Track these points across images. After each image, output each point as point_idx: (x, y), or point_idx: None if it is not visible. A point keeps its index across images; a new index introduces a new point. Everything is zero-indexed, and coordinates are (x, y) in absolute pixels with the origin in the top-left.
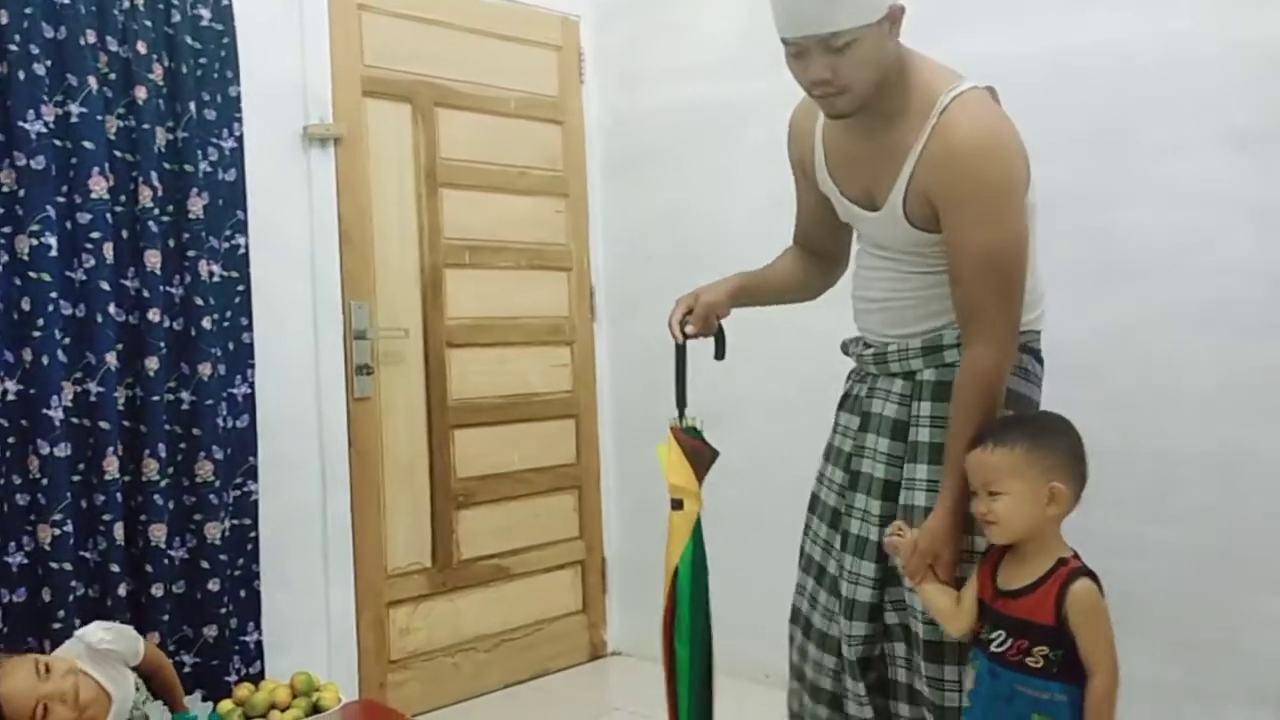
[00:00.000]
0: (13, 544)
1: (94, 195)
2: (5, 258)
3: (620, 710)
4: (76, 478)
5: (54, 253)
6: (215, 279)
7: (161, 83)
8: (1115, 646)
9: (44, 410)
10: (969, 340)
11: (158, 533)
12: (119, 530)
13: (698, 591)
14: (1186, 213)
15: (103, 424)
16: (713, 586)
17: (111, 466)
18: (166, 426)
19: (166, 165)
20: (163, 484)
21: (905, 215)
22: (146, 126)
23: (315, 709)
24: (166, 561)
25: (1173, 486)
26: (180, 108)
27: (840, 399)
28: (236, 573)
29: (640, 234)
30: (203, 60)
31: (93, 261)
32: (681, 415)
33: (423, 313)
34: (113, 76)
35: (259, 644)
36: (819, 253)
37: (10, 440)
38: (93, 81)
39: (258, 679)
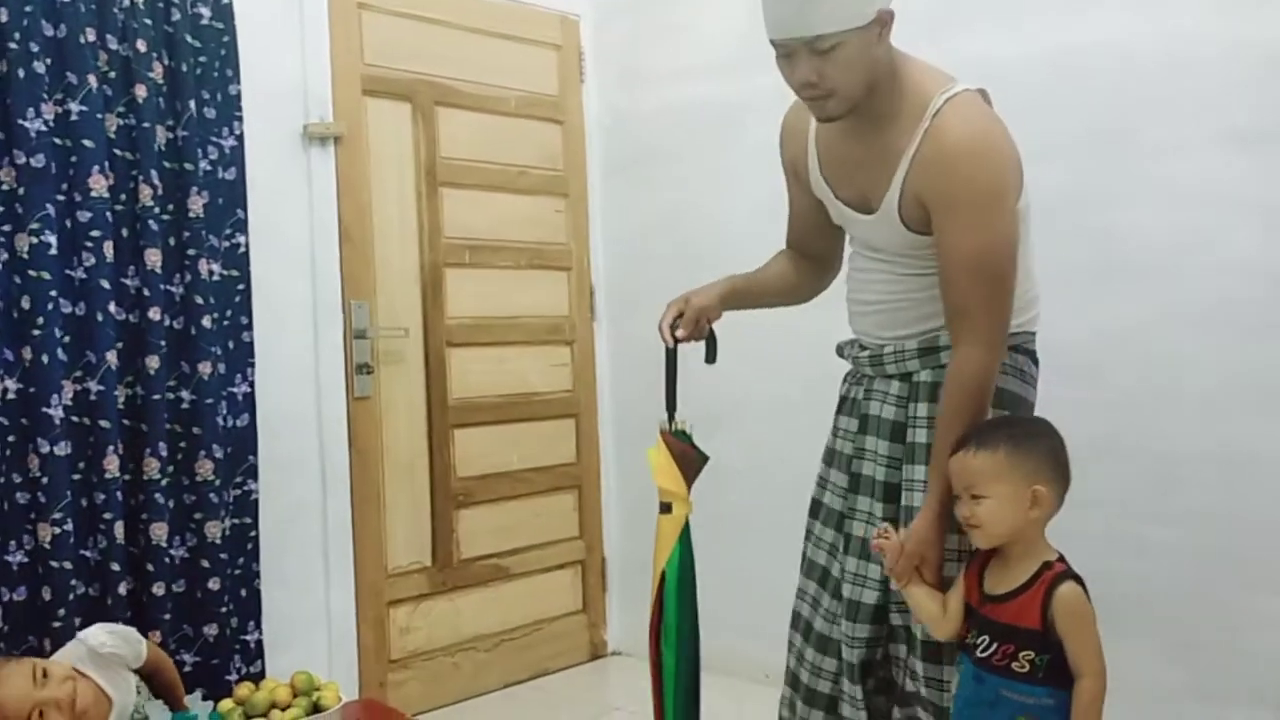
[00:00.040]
0: (13, 542)
1: (94, 194)
2: (5, 256)
3: (620, 710)
4: (77, 476)
5: (54, 251)
6: (215, 278)
7: (161, 81)
8: (1103, 649)
9: (44, 409)
10: (957, 342)
11: (159, 531)
12: (119, 529)
13: (684, 596)
14: (1187, 213)
15: (103, 423)
16: (712, 586)
17: (112, 465)
18: (167, 425)
19: (166, 164)
20: (163, 483)
21: (900, 218)
22: (146, 125)
23: (315, 708)
24: (167, 560)
25: (1173, 487)
26: (180, 106)
27: (838, 402)
28: (237, 572)
29: (640, 233)
30: (203, 59)
31: (93, 260)
32: (671, 419)
33: (423, 312)
34: (113, 75)
35: (259, 643)
36: (811, 256)
37: (10, 439)
38: (93, 80)
39: (258, 678)
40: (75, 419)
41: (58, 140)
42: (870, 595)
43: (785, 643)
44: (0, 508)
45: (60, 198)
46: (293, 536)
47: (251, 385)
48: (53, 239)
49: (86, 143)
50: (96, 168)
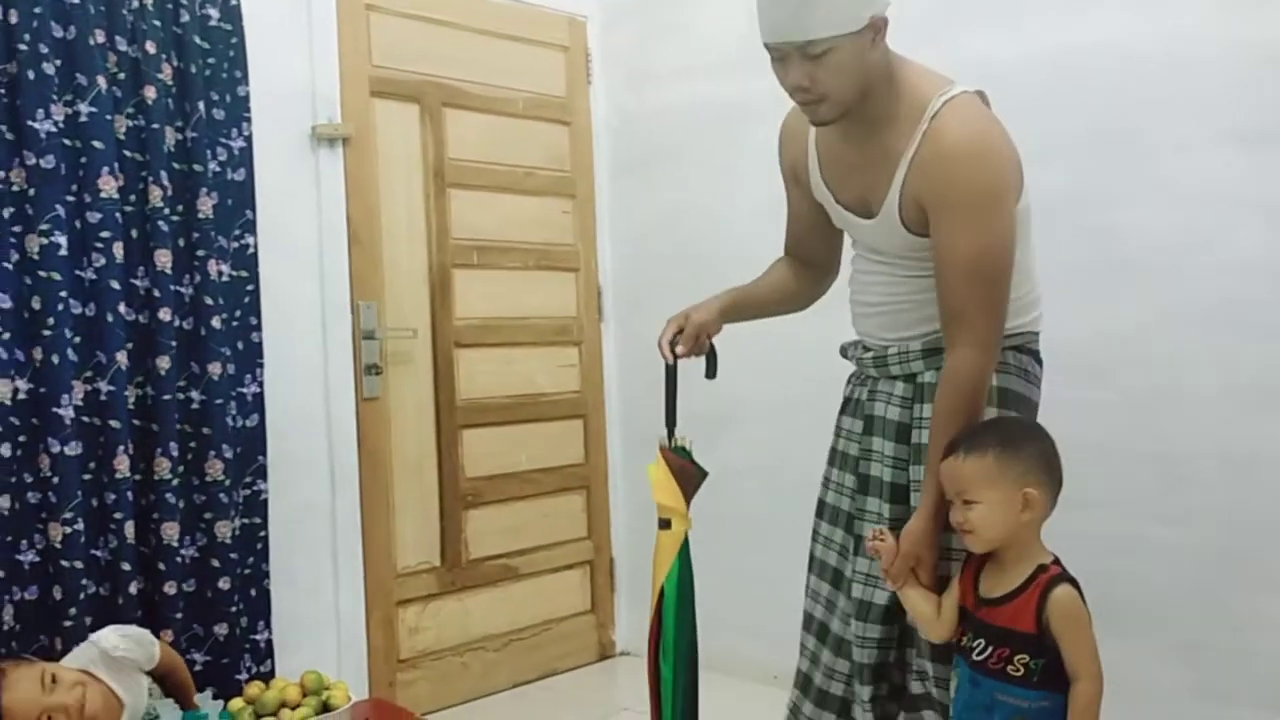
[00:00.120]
0: (24, 542)
1: (103, 195)
2: (16, 257)
3: (628, 710)
4: (87, 476)
5: (64, 252)
6: (224, 278)
7: (170, 82)
8: (1099, 652)
9: (55, 409)
10: (952, 344)
11: (170, 531)
12: (129, 529)
13: (683, 611)
14: (1188, 213)
15: (113, 423)
16: (717, 588)
17: (122, 465)
18: (177, 426)
19: (176, 165)
20: (174, 483)
21: (901, 221)
22: (156, 126)
23: (325, 707)
24: (178, 560)
25: (1175, 486)
26: (189, 107)
27: (842, 403)
28: (246, 571)
29: (648, 234)
30: (211, 60)
31: (103, 261)
32: (671, 435)
33: (431, 313)
34: (122, 76)
35: (269, 643)
36: (810, 261)
37: (21, 439)
38: (102, 81)
39: (268, 677)
40: (86, 419)
41: (67, 141)
42: (881, 596)
43: (790, 644)
44: (11, 507)
45: (70, 199)
46: (302, 536)
47: (261, 386)
48: (63, 240)
49: (96, 144)
50: (106, 169)
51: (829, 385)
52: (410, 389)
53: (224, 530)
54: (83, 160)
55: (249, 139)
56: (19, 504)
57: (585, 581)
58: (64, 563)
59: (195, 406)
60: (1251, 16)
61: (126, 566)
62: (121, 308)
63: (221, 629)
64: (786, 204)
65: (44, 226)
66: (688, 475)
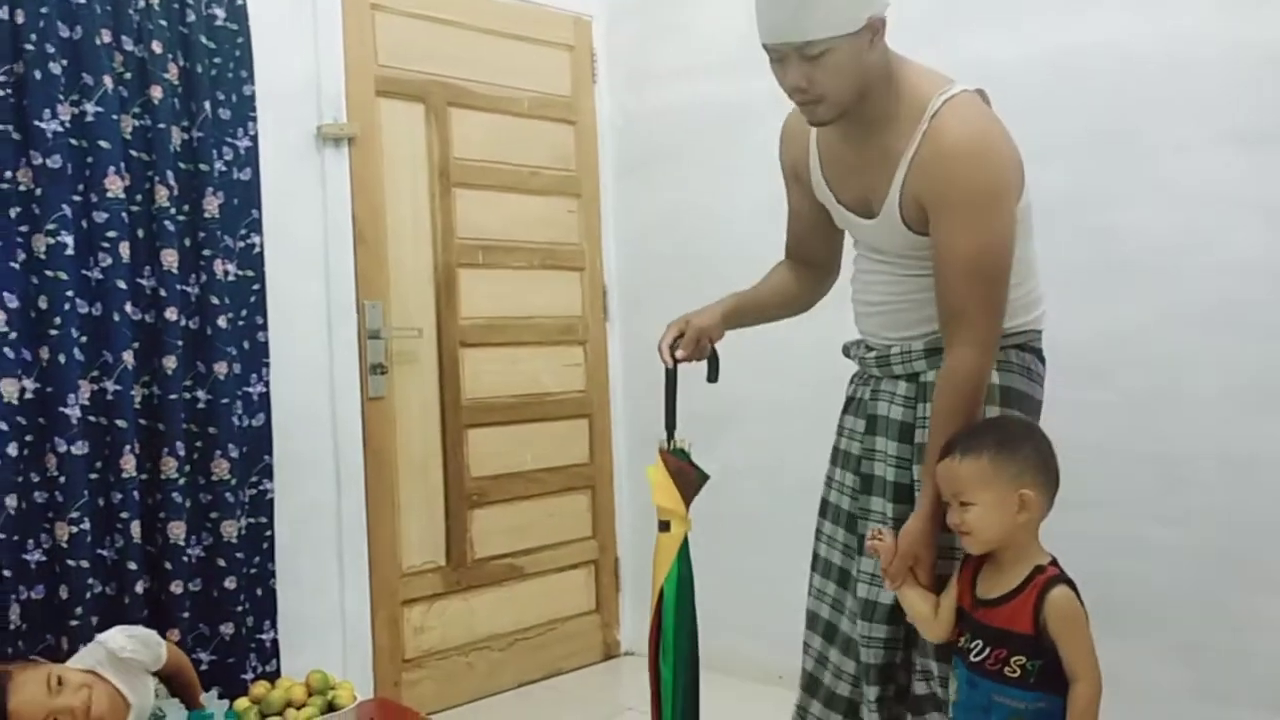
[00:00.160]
0: (31, 541)
1: (110, 194)
2: (22, 256)
3: (633, 710)
4: (94, 476)
5: (70, 251)
6: (230, 278)
7: (177, 82)
8: (1096, 653)
9: (61, 408)
10: (950, 344)
11: (176, 530)
12: (136, 528)
13: (682, 613)
14: (1188, 213)
15: (119, 422)
16: (721, 588)
17: (128, 464)
18: (183, 425)
19: (182, 164)
20: (180, 482)
21: (902, 220)
22: (162, 126)
23: (330, 707)
24: (184, 560)
25: (1175, 487)
26: (195, 107)
27: (844, 402)
28: (252, 571)
29: (653, 233)
30: (217, 60)
31: (109, 260)
32: (670, 438)
33: (436, 312)
34: (128, 76)
35: (275, 642)
36: (811, 262)
37: (28, 438)
38: (108, 81)
39: (273, 677)
40: (92, 419)
41: (74, 141)
42: (887, 596)
43: (792, 644)
44: (18, 507)
45: (77, 198)
46: (307, 536)
47: (266, 385)
48: (69, 239)
49: (103, 144)
50: (113, 168)
51: (830, 385)
52: (415, 388)
53: (230, 530)
54: (89, 160)
55: (255, 139)
56: (25, 503)
57: (590, 581)
58: (70, 562)
59: (201, 406)
60: (1251, 17)
61: (133, 566)
62: (128, 307)
63: (227, 628)
64: (787, 204)
65: (50, 226)
66: (686, 477)
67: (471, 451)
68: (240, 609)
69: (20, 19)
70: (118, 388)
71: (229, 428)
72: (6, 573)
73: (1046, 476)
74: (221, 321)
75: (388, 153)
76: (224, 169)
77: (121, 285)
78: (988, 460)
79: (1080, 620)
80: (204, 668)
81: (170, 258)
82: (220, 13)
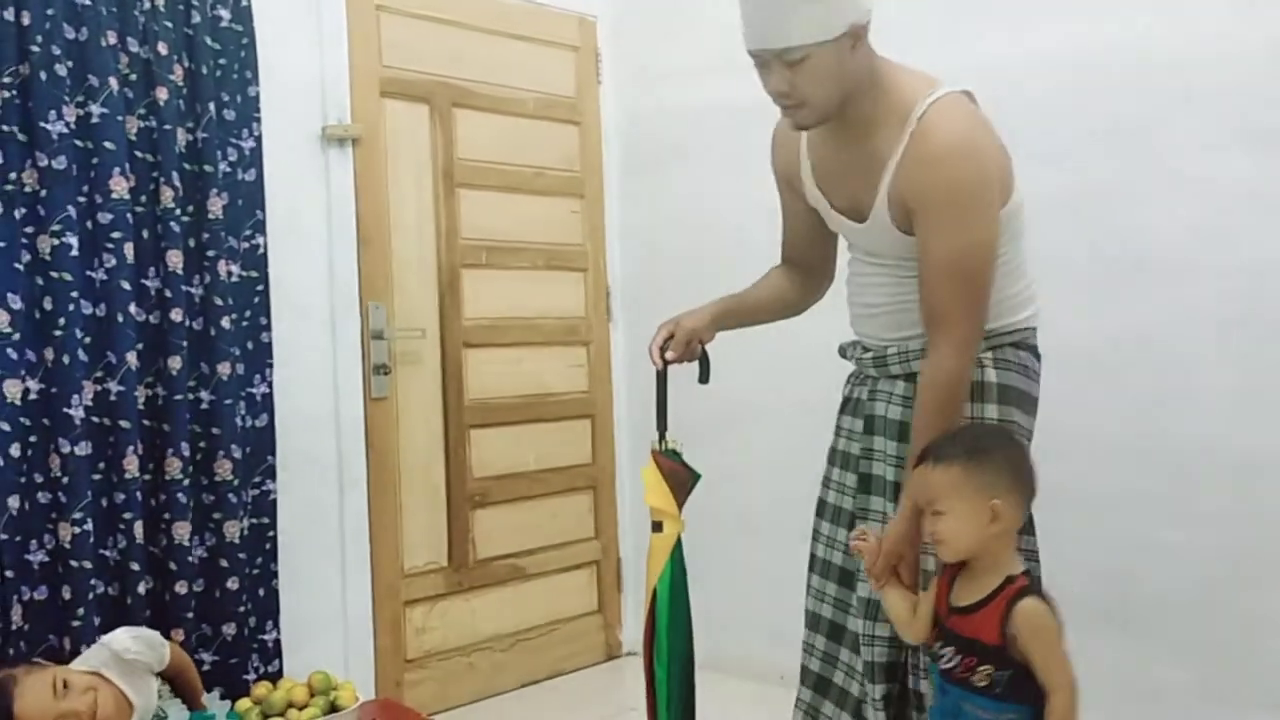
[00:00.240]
0: (34, 542)
1: (115, 195)
2: (27, 257)
3: (635, 711)
4: (97, 476)
5: (75, 252)
6: (234, 279)
7: (182, 83)
8: (1071, 663)
9: (65, 409)
10: (932, 345)
11: (181, 531)
12: (139, 529)
13: (676, 613)
14: (1204, 213)
15: (123, 423)
16: (720, 589)
17: (131, 465)
18: (187, 426)
19: (186, 165)
20: (185, 483)
21: (892, 223)
22: (167, 127)
23: (332, 708)
24: (188, 560)
25: (1189, 488)
26: (200, 108)
27: (841, 402)
28: (255, 571)
29: (656, 234)
30: (222, 61)
31: (113, 261)
32: (662, 438)
33: (440, 313)
34: (133, 77)
35: (277, 642)
36: (806, 267)
37: (32, 439)
38: (114, 82)
39: (276, 677)
40: (96, 419)
41: (79, 142)
42: None
43: (792, 643)
44: (21, 507)
45: (81, 199)
46: (310, 536)
47: (270, 386)
48: (74, 240)
49: (108, 145)
50: (117, 169)
51: (830, 385)
52: (419, 389)
53: (233, 530)
54: (94, 161)
55: (259, 139)
56: (29, 504)
57: (592, 582)
58: (73, 562)
59: (205, 407)
60: (1267, 16)
61: (135, 566)
62: (132, 308)
63: (229, 629)
64: (781, 211)
65: (55, 227)
66: (679, 478)
67: (474, 452)
68: (242, 609)
69: (26, 20)
70: (121, 388)
71: (232, 428)
72: (9, 573)
73: (1020, 486)
74: (225, 322)
75: (392, 153)
76: (228, 170)
77: (126, 286)
78: (960, 469)
79: (1051, 631)
80: (206, 668)
81: (175, 258)
82: (225, 14)
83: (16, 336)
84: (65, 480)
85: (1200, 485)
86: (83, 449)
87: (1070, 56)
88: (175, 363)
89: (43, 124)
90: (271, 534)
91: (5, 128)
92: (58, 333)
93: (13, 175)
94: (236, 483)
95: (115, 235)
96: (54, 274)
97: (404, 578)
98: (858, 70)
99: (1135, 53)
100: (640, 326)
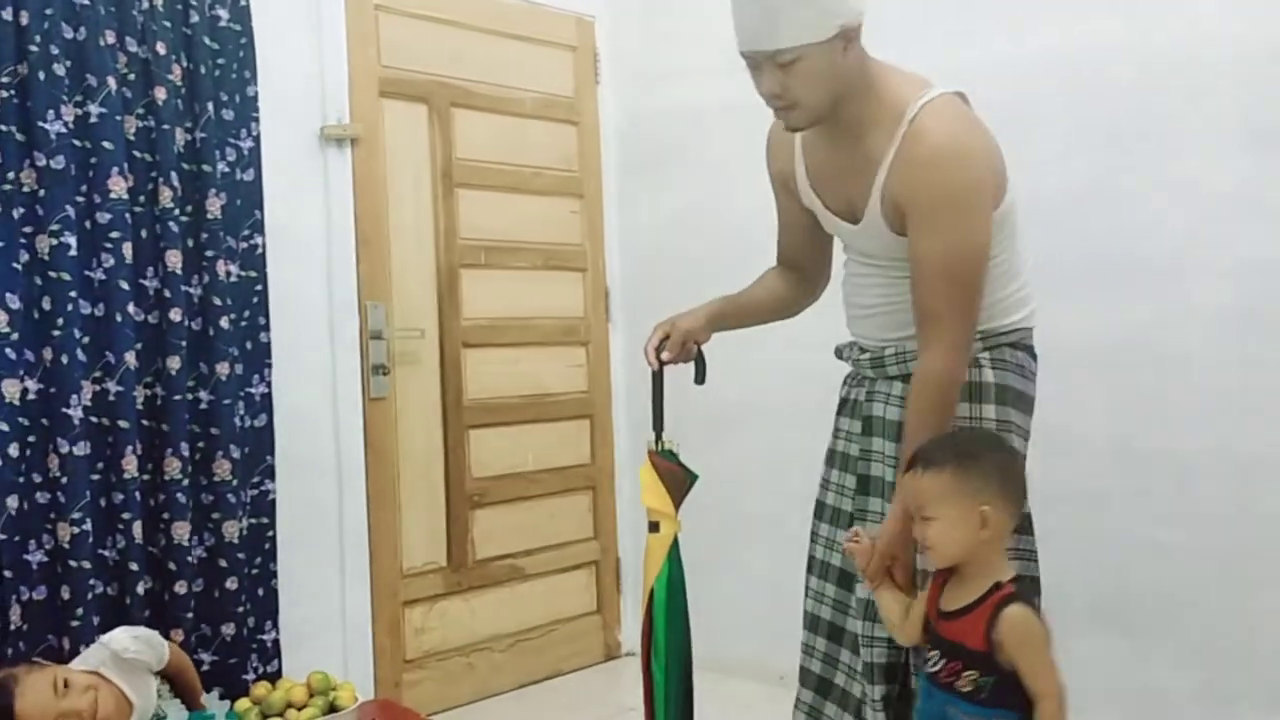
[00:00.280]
0: (33, 542)
1: (113, 195)
2: (26, 257)
3: (634, 711)
4: (95, 476)
5: (73, 252)
6: (233, 279)
7: (180, 83)
8: (1058, 670)
9: (64, 409)
10: (923, 346)
11: (180, 531)
12: (138, 529)
13: (673, 613)
14: (1203, 213)
15: (121, 423)
16: (720, 589)
17: (130, 465)
18: (186, 425)
19: (185, 165)
20: (184, 483)
21: (886, 224)
22: (166, 127)
23: (331, 708)
24: (187, 560)
25: (1189, 488)
26: (199, 108)
27: (838, 404)
28: (254, 571)
29: (655, 234)
30: (221, 61)
31: (112, 261)
32: (659, 438)
33: (438, 313)
34: (132, 77)
35: (276, 642)
36: (802, 269)
37: (30, 439)
38: (112, 82)
39: (275, 677)
40: (94, 419)
41: (77, 142)
42: None
43: (791, 643)
44: (20, 507)
45: (80, 199)
46: (309, 537)
47: (269, 386)
48: (72, 240)
49: (106, 145)
50: (116, 169)
51: (827, 386)
52: (417, 389)
53: (231, 530)
54: (93, 161)
55: (258, 139)
56: (27, 504)
57: (591, 582)
58: (72, 562)
59: (203, 407)
60: (1267, 18)
61: (134, 566)
62: (130, 308)
63: (228, 629)
64: (777, 213)
65: (54, 227)
66: (675, 478)
67: (473, 452)
68: (241, 609)
69: (24, 20)
70: (120, 388)
71: (231, 428)
72: (8, 573)
73: (1009, 492)
74: (224, 322)
75: (390, 153)
76: (227, 170)
77: (124, 286)
78: (949, 475)
79: (1037, 638)
80: (205, 668)
81: (173, 258)
82: (224, 14)
83: (15, 336)
84: (64, 480)
85: (1200, 485)
86: (81, 449)
87: (1070, 56)
88: (174, 363)
89: (41, 124)
90: (270, 534)
91: (3, 127)
92: (56, 333)
93: (11, 175)
94: (235, 483)
95: (114, 235)
96: (52, 274)
97: (403, 578)
98: (850, 72)
99: (1135, 53)
100: (639, 327)
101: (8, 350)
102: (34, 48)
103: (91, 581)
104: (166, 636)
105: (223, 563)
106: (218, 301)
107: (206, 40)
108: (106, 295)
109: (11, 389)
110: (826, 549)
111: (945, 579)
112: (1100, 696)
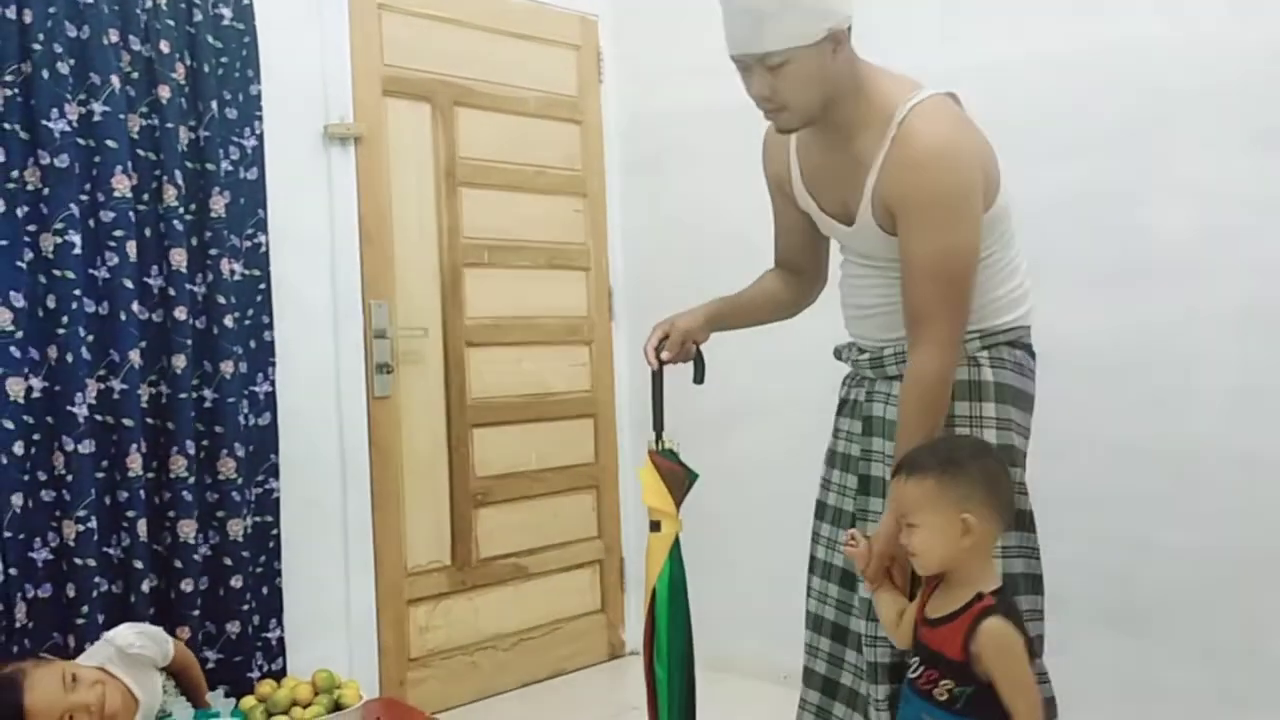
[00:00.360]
0: (38, 540)
1: (117, 194)
2: (30, 255)
3: (638, 710)
4: (100, 474)
5: (78, 251)
6: (237, 277)
7: (184, 82)
8: (1034, 684)
9: (69, 407)
10: (914, 346)
11: (186, 529)
12: (142, 527)
13: (675, 612)
14: (1212, 213)
15: (126, 421)
16: (722, 588)
17: (135, 463)
18: (191, 424)
19: (189, 164)
20: (190, 481)
21: (878, 226)
22: (169, 125)
23: (336, 706)
24: (192, 558)
25: (1196, 488)
26: (202, 106)
27: (838, 404)
28: (259, 569)
29: (658, 233)
30: (224, 59)
31: (116, 259)
32: (659, 438)
33: (442, 312)
34: (135, 75)
35: (281, 641)
36: (800, 271)
37: (35, 437)
38: (116, 80)
39: (280, 676)
40: (99, 417)
41: (81, 140)
42: None
43: (797, 644)
44: (25, 505)
45: (84, 198)
46: (313, 535)
47: (273, 384)
48: (77, 239)
49: (110, 143)
50: (120, 168)
51: (827, 385)
52: (421, 388)
53: (236, 528)
54: (96, 159)
55: (261, 138)
56: (33, 502)
57: (595, 581)
58: (77, 560)
59: (208, 405)
60: (1268, 16)
61: (139, 564)
62: (135, 306)
63: (233, 627)
64: (773, 216)
65: (58, 225)
66: (676, 477)
67: (477, 451)
68: (246, 608)
69: (28, 19)
70: (125, 386)
71: (235, 427)
72: (14, 571)
73: (994, 500)
74: (228, 321)
75: (394, 152)
76: (231, 168)
77: (129, 284)
78: (933, 482)
79: (1014, 652)
80: (210, 666)
81: (177, 257)
82: (227, 12)
83: (19, 335)
84: (69, 478)
85: (1200, 485)
86: (86, 447)
87: (1070, 56)
88: (179, 361)
89: (45, 122)
90: (275, 532)
91: (7, 126)
92: (61, 331)
93: (15, 173)
94: (240, 481)
95: (118, 233)
96: (57, 272)
97: (407, 576)
98: (839, 74)
99: (1135, 53)
100: (642, 326)
101: (12, 349)
102: (38, 46)
103: (96, 579)
104: (172, 634)
105: (227, 561)
106: (222, 300)
107: (210, 39)
108: (111, 293)
109: (16, 387)
110: (828, 549)
111: (936, 585)
112: (1107, 696)
